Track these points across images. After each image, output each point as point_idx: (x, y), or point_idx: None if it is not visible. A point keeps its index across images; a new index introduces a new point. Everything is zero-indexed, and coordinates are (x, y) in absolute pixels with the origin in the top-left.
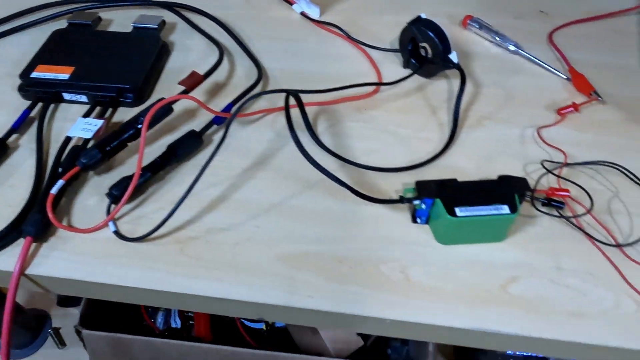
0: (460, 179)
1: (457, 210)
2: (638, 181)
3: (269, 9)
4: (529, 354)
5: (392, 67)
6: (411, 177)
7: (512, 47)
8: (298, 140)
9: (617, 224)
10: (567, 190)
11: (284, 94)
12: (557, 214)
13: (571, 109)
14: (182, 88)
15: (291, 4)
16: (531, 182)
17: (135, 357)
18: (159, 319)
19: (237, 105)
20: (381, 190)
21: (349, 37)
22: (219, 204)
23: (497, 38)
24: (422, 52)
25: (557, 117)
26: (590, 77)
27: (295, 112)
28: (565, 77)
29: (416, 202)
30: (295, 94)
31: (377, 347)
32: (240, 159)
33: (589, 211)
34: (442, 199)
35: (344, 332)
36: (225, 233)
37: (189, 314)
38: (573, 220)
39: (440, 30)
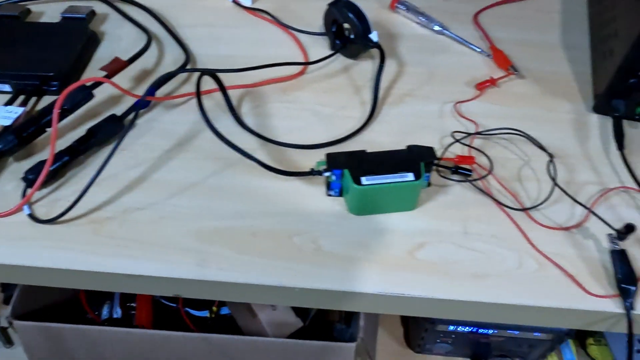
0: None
1: (363, 179)
2: (545, 148)
3: None
4: (473, 329)
5: (321, 50)
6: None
7: (437, 28)
8: (208, 118)
9: (526, 189)
10: (472, 158)
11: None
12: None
13: (489, 83)
14: (104, 73)
15: None
16: (444, 153)
17: (70, 348)
18: (104, 311)
19: (148, 88)
20: (300, 167)
21: (279, 23)
22: (137, 184)
23: (423, 19)
24: (346, 33)
25: (477, 92)
26: (511, 54)
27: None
28: (487, 54)
29: (327, 174)
30: (211, 73)
31: (320, 327)
32: (163, 141)
33: (489, 172)
34: (350, 169)
35: (282, 314)
36: (142, 212)
37: (131, 304)
38: (480, 184)
39: (359, 10)
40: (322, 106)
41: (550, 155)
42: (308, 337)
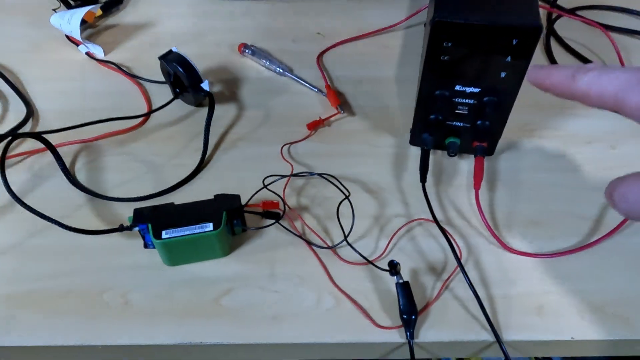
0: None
1: (163, 233)
2: (343, 187)
3: (56, 51)
4: None
5: (166, 98)
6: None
7: (279, 70)
8: (8, 185)
9: (339, 228)
10: (276, 203)
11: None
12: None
13: (319, 123)
14: None
15: (77, 45)
16: (263, 197)
17: None
18: None
19: None
20: (123, 221)
21: (126, 73)
22: None
23: (267, 62)
24: (184, 81)
25: (308, 132)
26: (347, 91)
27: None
28: (323, 93)
29: (135, 229)
30: (37, 136)
31: None
32: None
33: (283, 213)
34: (153, 223)
35: None
36: None
37: None
38: (289, 226)
39: (186, 62)
40: (156, 156)
41: (347, 194)
42: None
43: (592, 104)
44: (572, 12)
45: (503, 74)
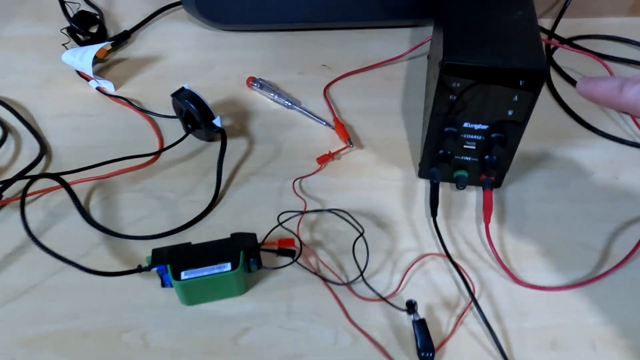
0: (219, 236)
1: (182, 274)
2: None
3: (67, 86)
4: None
5: (177, 133)
6: (172, 242)
7: (287, 103)
8: (28, 227)
9: (352, 263)
10: (291, 240)
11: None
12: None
13: (328, 157)
14: None
15: (88, 80)
16: (276, 234)
17: None
18: None
19: None
20: (142, 259)
21: (137, 108)
22: None
23: (275, 96)
24: (196, 118)
25: (318, 166)
26: (354, 123)
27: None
28: (331, 126)
29: (154, 269)
30: (54, 176)
31: None
32: (5, 243)
33: (300, 252)
34: (172, 264)
35: None
36: None
37: None
38: (304, 263)
39: (198, 99)
40: (170, 192)
41: (361, 230)
42: None
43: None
44: (570, 42)
45: (510, 112)
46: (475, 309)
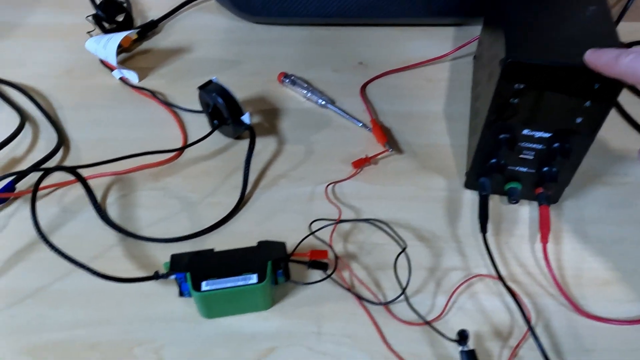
0: (244, 243)
1: (203, 285)
2: (398, 237)
3: (90, 76)
4: None
5: (202, 128)
6: (192, 246)
7: (321, 102)
8: (38, 225)
9: (391, 279)
10: (325, 252)
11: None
12: (323, 275)
13: (364, 162)
14: None
15: (111, 70)
16: (307, 244)
17: None
18: None
19: (5, 184)
20: (159, 263)
21: (161, 101)
22: None
23: (308, 93)
24: (223, 113)
25: (352, 170)
26: (393, 126)
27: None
28: (368, 128)
29: (172, 277)
30: (70, 170)
31: None
32: (15, 240)
33: (335, 267)
34: (192, 273)
35: None
36: None
37: None
38: (336, 278)
39: (227, 94)
40: (191, 192)
41: (403, 246)
42: None
43: (631, 82)
44: (630, 47)
45: (579, 120)
46: (532, 340)
